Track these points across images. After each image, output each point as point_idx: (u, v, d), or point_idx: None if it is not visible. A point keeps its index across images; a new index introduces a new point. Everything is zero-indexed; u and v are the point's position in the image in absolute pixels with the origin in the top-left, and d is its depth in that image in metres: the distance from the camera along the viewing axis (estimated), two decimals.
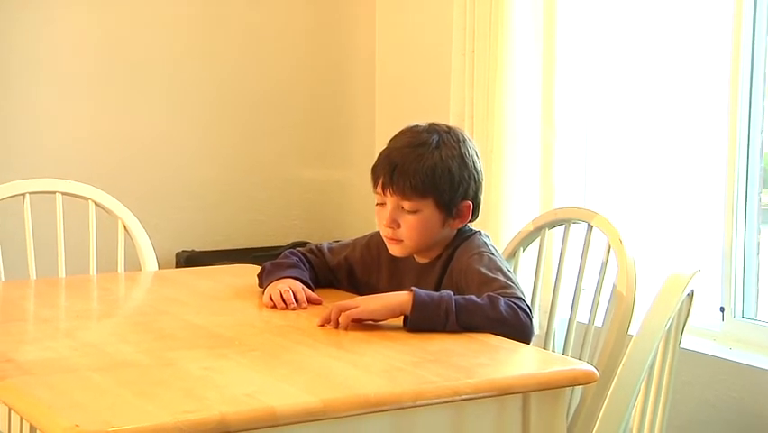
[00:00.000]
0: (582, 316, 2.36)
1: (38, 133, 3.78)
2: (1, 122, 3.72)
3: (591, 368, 1.80)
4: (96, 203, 2.86)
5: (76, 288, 2.60)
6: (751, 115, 2.79)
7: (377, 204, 2.22)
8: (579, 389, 2.20)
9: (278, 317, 2.12)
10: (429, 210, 2.17)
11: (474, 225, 2.27)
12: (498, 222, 3.17)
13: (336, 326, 1.98)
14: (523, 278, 2.39)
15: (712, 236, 2.91)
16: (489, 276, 2.08)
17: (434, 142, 2.17)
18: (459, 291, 2.05)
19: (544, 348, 2.40)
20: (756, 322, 2.83)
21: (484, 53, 3.27)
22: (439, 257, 2.22)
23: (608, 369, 2.13)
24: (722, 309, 2.87)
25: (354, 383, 1.67)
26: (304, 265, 2.35)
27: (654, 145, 3.19)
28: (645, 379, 1.71)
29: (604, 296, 2.33)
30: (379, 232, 2.27)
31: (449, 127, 2.24)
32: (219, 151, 4.06)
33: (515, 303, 1.99)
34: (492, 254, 2.16)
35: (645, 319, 1.70)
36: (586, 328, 2.31)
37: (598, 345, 2.24)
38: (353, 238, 2.42)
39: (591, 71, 3.30)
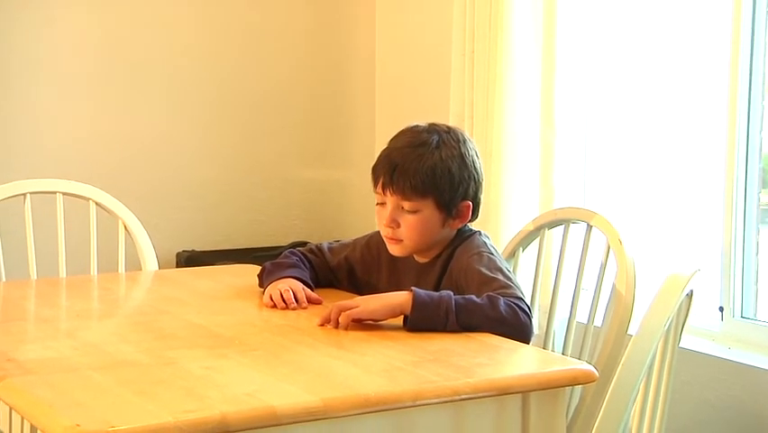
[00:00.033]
0: (582, 316, 2.36)
1: (38, 133, 3.78)
2: (1, 122, 3.72)
3: (591, 368, 1.80)
4: (96, 203, 2.86)
5: (76, 288, 2.60)
6: (750, 115, 2.79)
7: (377, 204, 2.22)
8: (578, 388, 2.20)
9: (279, 317, 2.12)
10: (429, 210, 2.17)
11: (474, 225, 2.27)
12: (497, 222, 3.17)
13: (336, 325, 1.99)
14: (523, 278, 2.39)
15: (711, 236, 2.91)
16: (488, 276, 2.09)
17: (435, 142, 2.18)
18: (458, 291, 2.05)
19: (544, 348, 2.40)
20: (755, 322, 2.83)
21: (484, 54, 3.27)
22: (439, 257, 2.22)
23: (608, 369, 2.13)
24: (721, 309, 2.87)
25: (354, 383, 1.67)
26: (304, 265, 2.35)
27: (654, 145, 3.19)
28: (645, 379, 1.71)
29: (603, 296, 2.33)
30: (379, 232, 2.27)
31: (449, 127, 2.24)
32: (219, 151, 4.06)
33: (514, 303, 1.99)
34: (492, 254, 2.16)
35: (645, 319, 1.70)
36: (585, 328, 2.32)
37: (597, 344, 2.24)
38: (353, 238, 2.42)
39: (591, 72, 3.30)
